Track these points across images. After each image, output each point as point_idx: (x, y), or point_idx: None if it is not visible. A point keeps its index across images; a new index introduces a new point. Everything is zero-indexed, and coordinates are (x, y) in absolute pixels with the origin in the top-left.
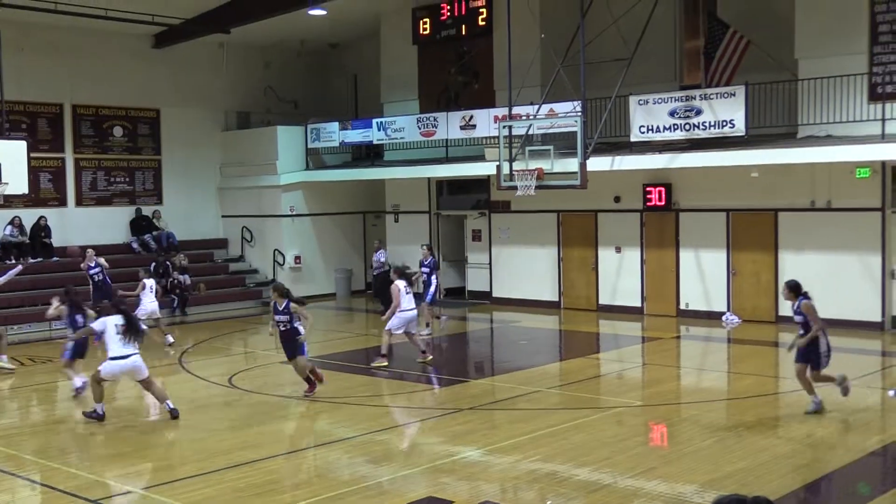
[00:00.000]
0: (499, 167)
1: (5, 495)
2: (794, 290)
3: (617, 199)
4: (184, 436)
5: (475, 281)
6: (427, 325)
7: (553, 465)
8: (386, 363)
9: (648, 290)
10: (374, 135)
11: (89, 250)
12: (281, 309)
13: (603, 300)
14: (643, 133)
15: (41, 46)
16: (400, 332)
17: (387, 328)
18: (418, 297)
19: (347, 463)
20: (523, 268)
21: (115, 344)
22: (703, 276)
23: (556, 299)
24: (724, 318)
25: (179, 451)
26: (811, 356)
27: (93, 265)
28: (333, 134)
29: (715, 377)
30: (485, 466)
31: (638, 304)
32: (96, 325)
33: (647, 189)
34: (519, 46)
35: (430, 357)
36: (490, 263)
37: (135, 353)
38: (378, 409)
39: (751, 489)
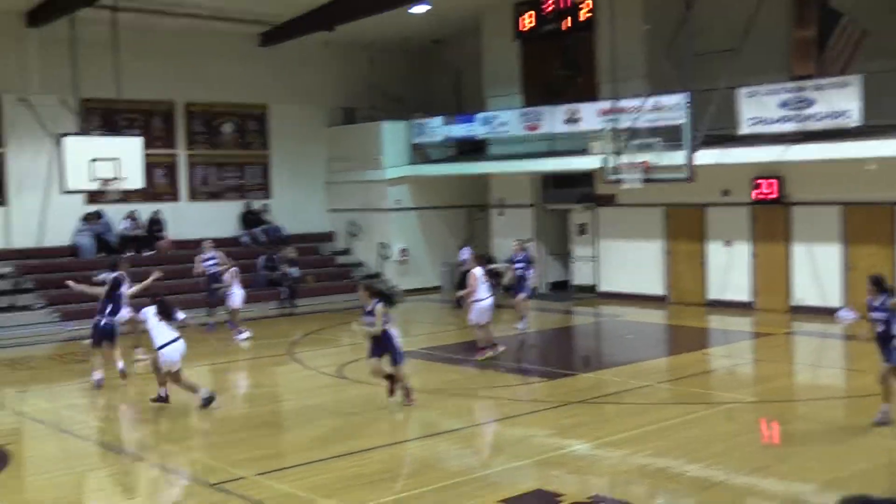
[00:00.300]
0: (604, 160)
1: (129, 476)
2: (879, 284)
3: (726, 193)
4: (294, 424)
5: (580, 275)
6: (522, 318)
7: (664, 461)
8: (494, 352)
9: (759, 284)
10: (478, 129)
11: (207, 241)
12: (368, 310)
13: (711, 295)
14: (752, 125)
15: (155, 47)
16: (484, 321)
17: (471, 322)
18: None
19: (456, 454)
20: (629, 262)
21: (159, 331)
22: (817, 270)
23: (663, 293)
24: (839, 313)
25: (290, 439)
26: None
27: (208, 256)
28: (438, 129)
29: (831, 374)
30: (594, 460)
31: (748, 298)
32: (140, 315)
33: (757, 182)
34: (623, 39)
35: (502, 349)
36: (596, 257)
37: (180, 337)
38: (485, 401)
39: (875, 492)
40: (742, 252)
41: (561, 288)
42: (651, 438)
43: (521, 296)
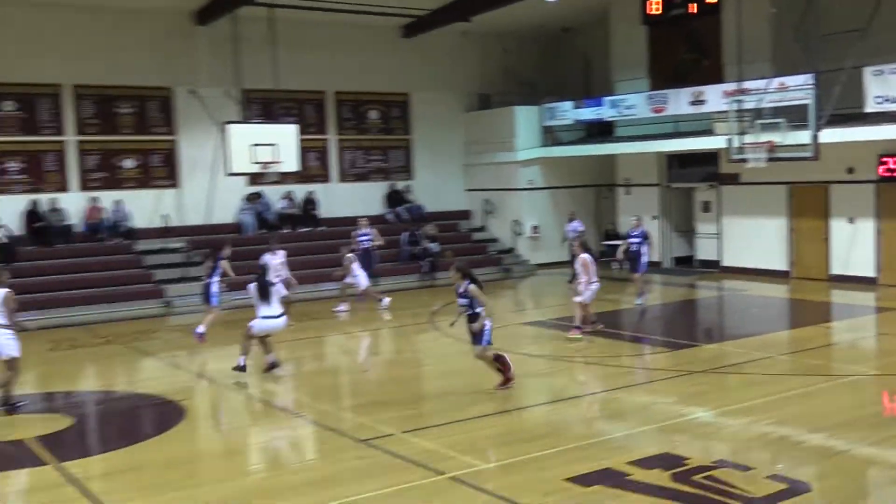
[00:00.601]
0: (729, 141)
1: (287, 431)
2: None
3: (850, 171)
4: (435, 388)
5: (704, 250)
6: (641, 293)
7: (786, 430)
8: (580, 336)
9: (884, 260)
10: (606, 112)
11: (362, 219)
12: (460, 292)
13: (835, 270)
14: (879, 103)
15: (308, 41)
16: (588, 301)
17: (580, 300)
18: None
19: (584, 418)
20: (752, 238)
21: (258, 305)
22: None
23: (786, 269)
24: None
25: (432, 401)
26: None
27: (363, 233)
28: (567, 112)
29: None
30: (717, 427)
31: (872, 274)
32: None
33: (883, 160)
34: (748, 21)
35: (600, 326)
36: (719, 233)
37: (283, 315)
38: (612, 370)
39: None
40: (866, 228)
41: (685, 263)
42: (773, 408)
43: (638, 273)
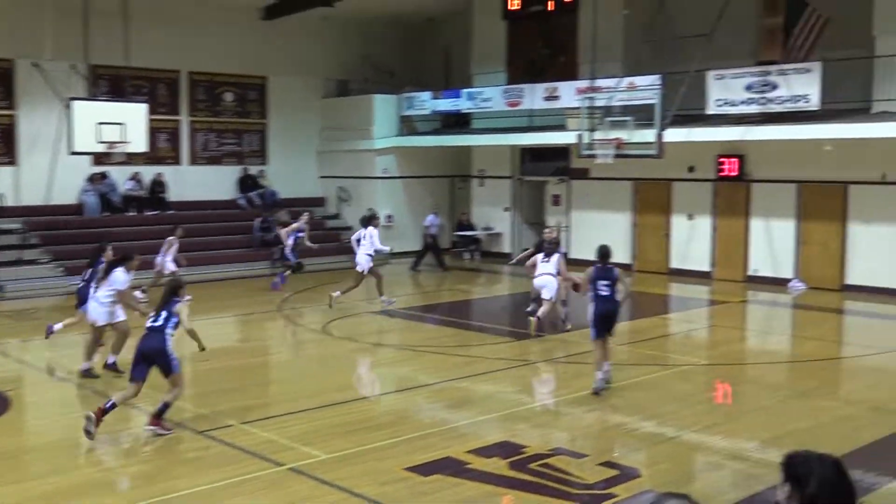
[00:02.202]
0: (580, 136)
1: (122, 424)
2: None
3: (691, 169)
4: (280, 377)
5: None
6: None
7: (620, 417)
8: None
9: (718, 255)
10: (463, 104)
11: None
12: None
13: (674, 264)
14: (719, 106)
15: (163, 17)
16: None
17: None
18: None
19: (429, 407)
20: (598, 231)
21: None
22: (772, 243)
23: (629, 262)
24: (790, 284)
25: (276, 390)
26: None
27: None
28: (426, 103)
29: (779, 340)
30: (556, 416)
31: (707, 268)
32: None
33: (721, 160)
34: (603, 22)
35: (570, 326)
36: (568, 226)
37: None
38: (458, 359)
39: (810, 448)
40: (704, 225)
41: None
42: (608, 397)
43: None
